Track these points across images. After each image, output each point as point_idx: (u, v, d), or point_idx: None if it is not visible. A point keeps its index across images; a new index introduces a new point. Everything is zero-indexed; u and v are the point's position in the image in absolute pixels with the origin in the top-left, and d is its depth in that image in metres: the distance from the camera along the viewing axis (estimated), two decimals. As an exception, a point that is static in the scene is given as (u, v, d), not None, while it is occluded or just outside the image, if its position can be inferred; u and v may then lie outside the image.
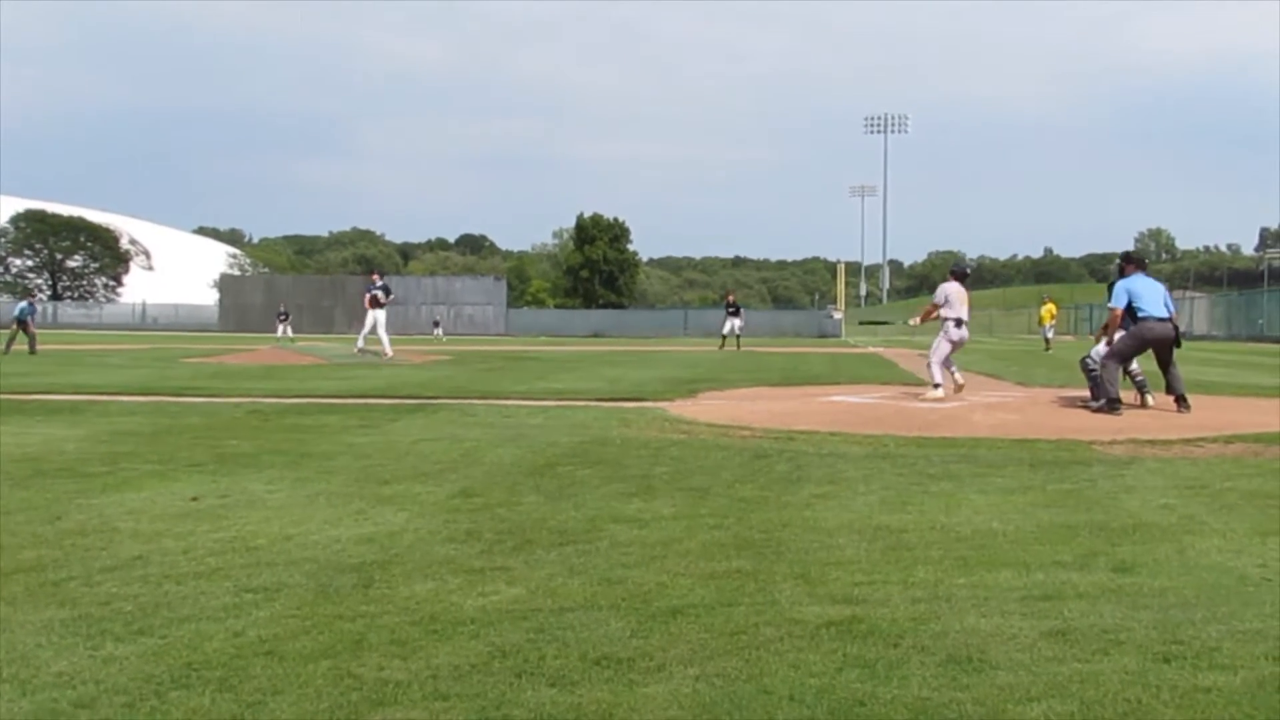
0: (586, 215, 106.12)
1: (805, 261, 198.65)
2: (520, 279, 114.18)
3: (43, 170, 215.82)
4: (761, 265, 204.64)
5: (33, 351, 28.17)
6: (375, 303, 27.26)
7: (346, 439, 9.78)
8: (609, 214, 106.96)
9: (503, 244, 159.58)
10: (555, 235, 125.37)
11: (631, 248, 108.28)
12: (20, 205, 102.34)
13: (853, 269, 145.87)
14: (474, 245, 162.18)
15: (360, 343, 27.93)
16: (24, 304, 31.49)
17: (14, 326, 30.13)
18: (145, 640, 3.86)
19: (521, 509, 6.32)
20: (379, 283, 28.07)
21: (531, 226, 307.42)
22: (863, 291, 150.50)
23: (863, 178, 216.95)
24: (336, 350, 29.39)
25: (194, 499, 6.59)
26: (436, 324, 67.13)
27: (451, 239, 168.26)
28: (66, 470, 7.72)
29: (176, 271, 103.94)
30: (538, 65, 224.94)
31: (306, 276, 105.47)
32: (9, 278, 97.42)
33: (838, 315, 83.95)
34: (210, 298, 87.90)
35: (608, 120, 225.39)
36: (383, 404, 13.42)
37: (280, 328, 52.50)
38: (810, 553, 5.21)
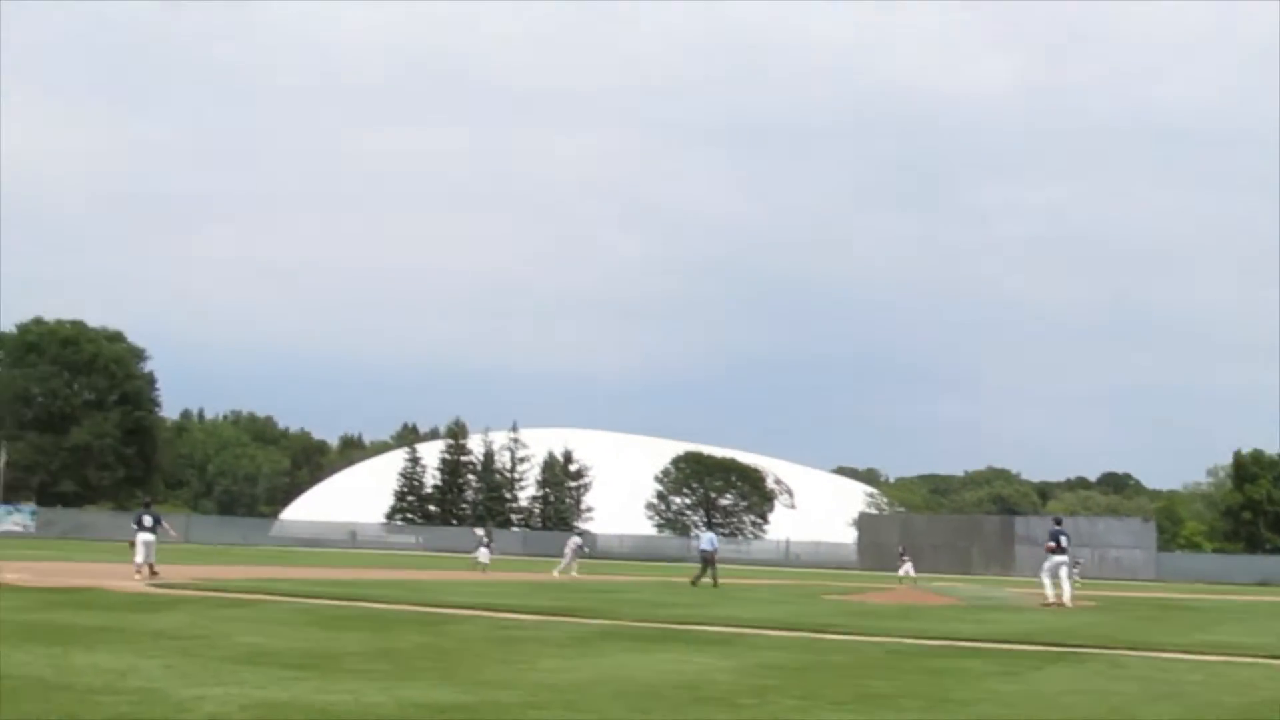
0: (1245, 451, 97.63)
1: None
2: (1171, 520, 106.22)
3: (700, 415, 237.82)
4: None
5: (715, 584, 30.37)
6: (1054, 548, 26.33)
7: (987, 685, 9.51)
8: (1272, 449, 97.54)
9: (1149, 483, 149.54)
10: (1210, 473, 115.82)
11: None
12: (681, 448, 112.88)
13: None
14: (1117, 484, 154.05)
15: (1069, 594, 25.61)
16: (709, 535, 34.91)
17: (710, 556, 32.52)
18: None
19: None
20: (1058, 529, 27.50)
21: (1181, 464, 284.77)
22: None
23: None
24: (974, 591, 28.89)
25: (837, 737, 6.69)
26: (1076, 564, 63.98)
27: (1092, 477, 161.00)
28: (719, 700, 8.19)
29: (817, 509, 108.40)
30: (1171, 294, 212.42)
31: (942, 516, 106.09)
32: (669, 514, 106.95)
33: None
34: (849, 536, 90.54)
35: (1262, 347, 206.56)
36: (1025, 650, 13.00)
37: (902, 566, 52.58)
38: None
